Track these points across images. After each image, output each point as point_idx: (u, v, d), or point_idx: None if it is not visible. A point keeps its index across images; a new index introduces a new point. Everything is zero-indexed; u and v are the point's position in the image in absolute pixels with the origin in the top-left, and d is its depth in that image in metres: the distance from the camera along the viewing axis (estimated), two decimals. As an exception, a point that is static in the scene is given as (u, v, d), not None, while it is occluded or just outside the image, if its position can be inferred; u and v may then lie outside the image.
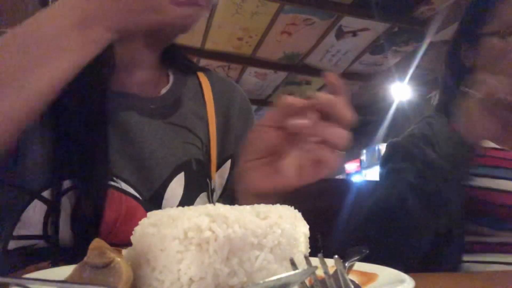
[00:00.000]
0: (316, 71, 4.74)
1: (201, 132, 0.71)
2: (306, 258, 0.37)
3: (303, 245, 0.40)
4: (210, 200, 0.69)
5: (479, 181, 0.92)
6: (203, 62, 4.27)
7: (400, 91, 4.86)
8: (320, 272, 0.33)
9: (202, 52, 4.16)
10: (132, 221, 0.59)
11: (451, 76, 1.09)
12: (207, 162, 0.71)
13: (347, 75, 4.80)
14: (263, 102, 5.83)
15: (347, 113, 0.49)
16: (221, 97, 0.77)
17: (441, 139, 0.97)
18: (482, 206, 0.89)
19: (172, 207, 0.43)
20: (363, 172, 6.76)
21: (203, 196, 0.67)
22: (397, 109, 5.14)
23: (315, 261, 0.35)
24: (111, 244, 0.34)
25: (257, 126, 0.55)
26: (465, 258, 0.88)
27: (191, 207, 0.36)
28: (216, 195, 0.72)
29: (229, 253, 0.33)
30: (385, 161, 1.03)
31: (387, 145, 1.09)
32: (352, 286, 0.33)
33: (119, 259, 0.32)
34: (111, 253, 0.32)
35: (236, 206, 0.37)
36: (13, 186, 0.56)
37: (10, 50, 0.49)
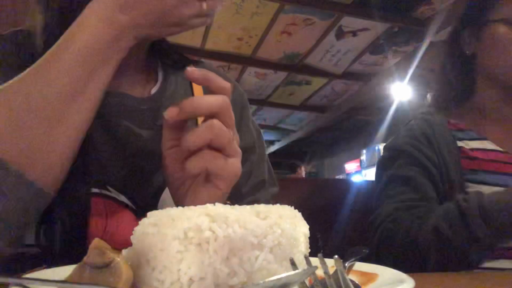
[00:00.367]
0: (316, 71, 4.74)
1: None
2: (306, 258, 0.37)
3: (303, 245, 0.40)
4: None
5: (477, 188, 0.88)
6: (203, 62, 4.26)
7: (400, 91, 4.85)
8: (320, 272, 0.33)
9: (202, 52, 4.16)
10: (124, 230, 0.59)
11: (450, 66, 1.05)
12: None
13: (347, 75, 4.79)
14: (263, 102, 5.83)
15: (209, 106, 0.50)
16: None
17: (441, 139, 0.95)
18: None
19: None
20: (363, 172, 6.75)
21: None
22: (397, 109, 5.14)
23: (315, 261, 0.35)
24: None
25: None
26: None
27: (191, 207, 0.36)
28: None
29: (229, 253, 0.33)
30: (385, 165, 0.99)
31: (385, 148, 1.05)
32: (352, 286, 0.33)
33: (119, 259, 0.32)
34: (111, 253, 0.32)
35: (236, 206, 0.37)
36: None
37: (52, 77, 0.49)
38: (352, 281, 0.35)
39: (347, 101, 5.61)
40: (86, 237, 0.56)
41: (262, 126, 6.49)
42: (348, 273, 0.43)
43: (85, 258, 0.32)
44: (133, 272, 0.33)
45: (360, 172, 6.90)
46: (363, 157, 6.78)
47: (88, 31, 0.49)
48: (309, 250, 0.41)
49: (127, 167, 0.62)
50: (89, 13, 0.50)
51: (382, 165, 1.02)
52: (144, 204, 0.62)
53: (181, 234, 0.32)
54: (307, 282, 0.34)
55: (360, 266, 0.45)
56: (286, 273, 0.29)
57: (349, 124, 6.69)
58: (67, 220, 0.54)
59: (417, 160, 0.93)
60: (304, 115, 6.51)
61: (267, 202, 0.76)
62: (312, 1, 3.36)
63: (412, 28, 3.64)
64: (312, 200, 1.27)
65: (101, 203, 0.59)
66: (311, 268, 0.32)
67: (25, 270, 0.48)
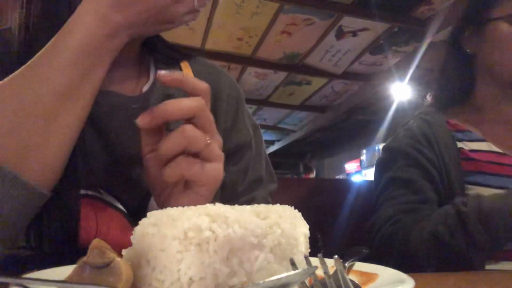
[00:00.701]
0: (316, 71, 4.74)
1: None
2: (306, 258, 0.37)
3: (303, 245, 0.40)
4: None
5: (477, 190, 0.88)
6: (203, 62, 4.25)
7: (400, 91, 4.85)
8: (320, 272, 0.33)
9: (202, 52, 4.15)
10: (116, 232, 0.58)
11: (450, 66, 1.04)
12: None
13: (347, 75, 4.79)
14: (263, 102, 5.83)
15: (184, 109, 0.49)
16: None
17: (440, 138, 0.95)
18: None
19: None
20: (363, 172, 6.76)
21: None
22: (397, 109, 5.14)
23: (315, 261, 0.35)
24: None
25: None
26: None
27: (191, 207, 0.36)
28: None
29: (229, 253, 0.33)
30: (384, 167, 0.98)
31: (384, 149, 1.03)
32: (352, 286, 0.33)
33: (119, 259, 0.32)
34: (111, 253, 0.32)
35: (236, 206, 0.37)
36: None
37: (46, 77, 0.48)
38: (352, 281, 0.35)
39: (347, 101, 5.61)
40: (77, 240, 0.55)
41: (262, 126, 6.48)
42: (348, 273, 0.43)
43: (85, 258, 0.32)
44: (133, 272, 0.33)
45: (360, 172, 6.90)
46: (363, 157, 6.78)
47: (82, 29, 0.49)
48: (309, 250, 0.41)
49: (117, 169, 0.61)
50: (83, 11, 0.49)
51: (381, 167, 1.01)
52: (135, 206, 0.61)
53: (181, 234, 0.32)
54: (307, 282, 0.34)
55: (360, 266, 0.45)
56: (286, 273, 0.29)
57: (349, 124, 6.69)
58: (58, 222, 0.53)
59: (417, 161, 0.92)
60: (304, 115, 6.51)
61: (264, 199, 0.76)
62: (312, 1, 3.36)
63: (412, 28, 3.64)
64: (312, 200, 1.27)
65: (91, 205, 0.58)
66: (311, 268, 0.32)
67: (18, 272, 0.47)
